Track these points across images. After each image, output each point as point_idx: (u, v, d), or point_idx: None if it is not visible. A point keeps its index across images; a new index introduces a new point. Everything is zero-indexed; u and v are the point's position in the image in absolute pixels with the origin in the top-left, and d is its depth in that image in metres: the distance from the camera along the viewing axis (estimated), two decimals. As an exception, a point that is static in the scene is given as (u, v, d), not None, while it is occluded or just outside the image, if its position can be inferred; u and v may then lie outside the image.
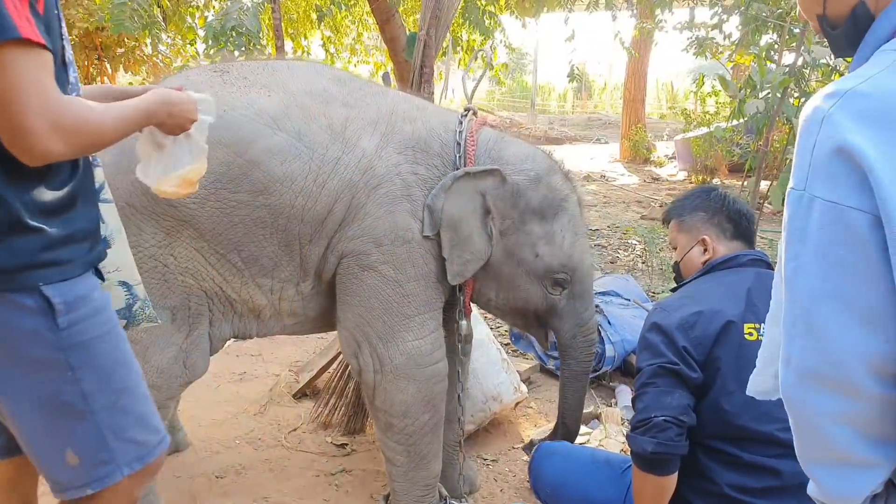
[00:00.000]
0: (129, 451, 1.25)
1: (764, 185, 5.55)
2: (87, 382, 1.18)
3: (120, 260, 1.36)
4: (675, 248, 1.85)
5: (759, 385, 1.12)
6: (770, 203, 6.61)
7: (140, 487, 1.33)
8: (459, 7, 4.91)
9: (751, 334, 1.56)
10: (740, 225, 1.76)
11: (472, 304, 2.09)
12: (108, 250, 1.30)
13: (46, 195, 1.13)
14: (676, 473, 1.56)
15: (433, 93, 3.17)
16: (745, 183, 6.14)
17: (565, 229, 1.91)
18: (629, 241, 6.32)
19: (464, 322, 2.04)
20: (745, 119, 4.97)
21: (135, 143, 1.81)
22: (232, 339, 2.15)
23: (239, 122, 1.78)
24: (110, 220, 1.33)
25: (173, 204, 1.75)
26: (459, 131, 1.94)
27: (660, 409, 1.51)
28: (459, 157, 1.90)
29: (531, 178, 1.90)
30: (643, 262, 5.44)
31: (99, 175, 1.31)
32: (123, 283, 1.38)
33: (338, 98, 1.91)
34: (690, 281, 1.74)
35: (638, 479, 1.59)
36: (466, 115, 2.00)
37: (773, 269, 1.71)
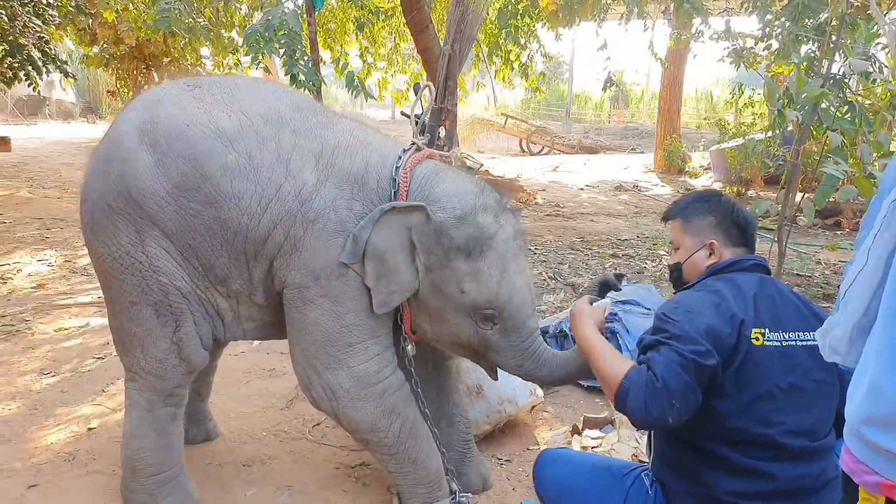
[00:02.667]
0: None
1: (798, 197, 5.49)
2: None
3: None
4: (676, 249, 1.85)
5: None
6: (805, 216, 6.51)
7: None
8: (487, 19, 5.00)
9: (756, 339, 1.56)
10: (746, 232, 1.79)
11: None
12: None
13: None
14: None
15: (457, 104, 3.29)
16: (780, 194, 6.06)
17: (492, 267, 1.90)
18: (657, 252, 6.32)
19: (409, 346, 2.10)
20: (782, 130, 4.91)
21: (113, 151, 1.97)
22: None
23: (199, 137, 1.92)
24: None
25: (141, 205, 1.93)
26: (397, 167, 1.99)
27: (682, 400, 1.46)
28: (395, 192, 1.95)
29: (456, 217, 1.90)
30: (670, 273, 5.42)
31: None
32: None
33: (290, 124, 1.99)
34: (698, 282, 1.75)
35: (603, 382, 1.58)
36: (409, 150, 2.06)
37: (771, 275, 1.76)
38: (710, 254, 1.77)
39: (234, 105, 1.99)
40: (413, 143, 2.12)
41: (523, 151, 17.16)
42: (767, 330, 1.58)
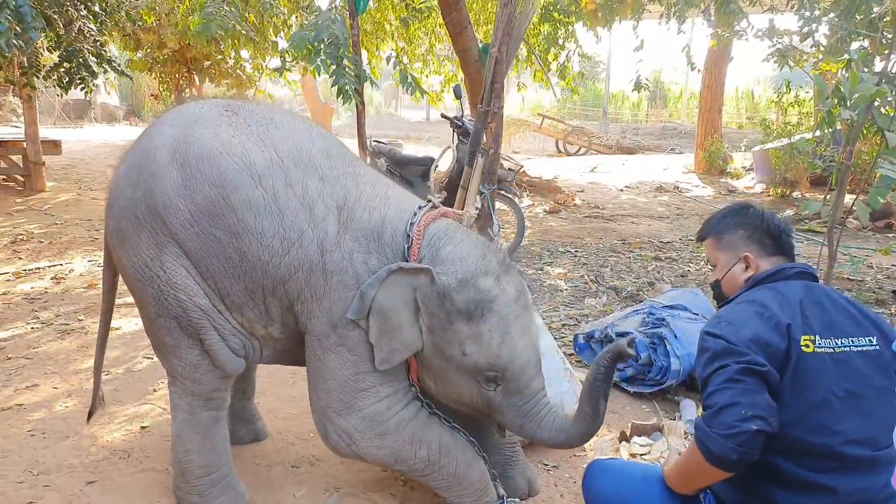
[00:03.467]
0: None
1: (848, 198, 5.32)
2: None
3: None
4: (713, 266, 1.86)
5: None
6: (856, 218, 6.28)
7: None
8: (533, 20, 4.98)
9: (807, 346, 1.54)
10: (780, 240, 1.77)
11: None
12: None
13: None
14: None
15: (503, 106, 3.27)
16: (828, 196, 5.88)
17: (493, 330, 1.91)
18: (701, 255, 6.19)
19: (415, 390, 2.11)
20: (832, 129, 4.76)
21: (145, 165, 1.99)
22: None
23: (229, 166, 1.94)
24: None
25: (164, 221, 1.95)
26: (412, 223, 2.01)
27: (753, 406, 1.44)
28: (408, 248, 1.98)
29: (458, 281, 1.92)
30: (715, 276, 5.31)
31: None
32: None
33: (318, 171, 2.02)
34: (739, 295, 1.72)
35: (698, 468, 1.53)
36: (425, 207, 2.09)
37: (818, 282, 1.71)
38: (747, 267, 1.77)
39: (267, 140, 2.02)
40: (429, 201, 2.15)
41: (559, 152, 17.02)
42: (818, 337, 1.56)
